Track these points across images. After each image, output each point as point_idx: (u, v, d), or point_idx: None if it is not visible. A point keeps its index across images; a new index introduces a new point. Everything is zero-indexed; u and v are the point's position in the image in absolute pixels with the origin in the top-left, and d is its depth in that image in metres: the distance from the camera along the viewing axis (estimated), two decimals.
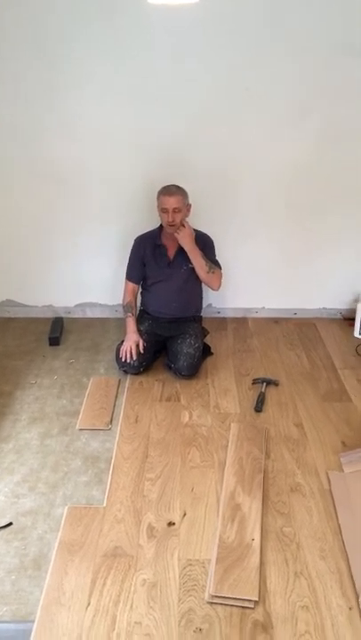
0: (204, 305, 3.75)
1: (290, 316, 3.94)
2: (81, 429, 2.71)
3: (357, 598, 1.81)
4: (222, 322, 3.85)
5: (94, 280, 3.81)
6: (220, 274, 3.19)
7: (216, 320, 3.85)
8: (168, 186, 3.06)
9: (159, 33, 3.09)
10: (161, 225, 3.19)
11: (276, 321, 3.89)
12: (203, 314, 3.66)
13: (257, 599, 1.80)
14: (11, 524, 2.12)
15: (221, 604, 1.80)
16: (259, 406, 2.86)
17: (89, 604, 1.79)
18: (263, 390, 3.00)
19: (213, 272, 3.14)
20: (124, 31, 3.08)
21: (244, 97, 3.27)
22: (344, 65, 3.18)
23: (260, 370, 3.24)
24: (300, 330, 3.76)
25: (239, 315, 3.94)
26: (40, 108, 3.30)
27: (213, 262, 3.18)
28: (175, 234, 3.05)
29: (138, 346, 3.11)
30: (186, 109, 3.31)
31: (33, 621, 1.73)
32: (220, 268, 3.21)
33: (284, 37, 3.10)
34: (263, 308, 3.94)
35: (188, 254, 3.07)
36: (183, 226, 3.05)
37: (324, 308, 3.94)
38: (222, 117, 3.34)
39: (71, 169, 3.48)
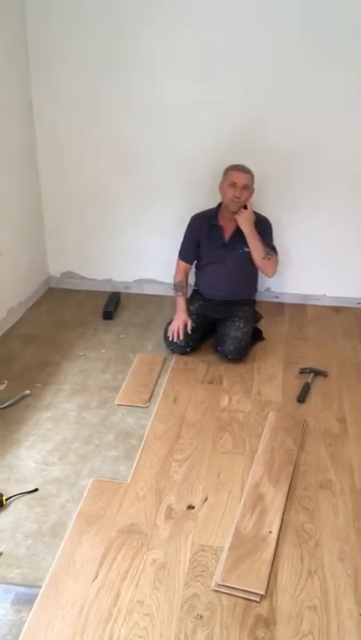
0: (262, 289, 3.70)
1: (353, 305, 3.79)
2: (119, 405, 2.73)
3: None
4: (280, 307, 3.76)
5: (153, 256, 3.81)
6: (276, 260, 3.11)
7: (274, 305, 3.76)
8: (239, 164, 3.00)
9: (232, 9, 3.04)
10: (219, 204, 3.14)
11: (338, 310, 3.74)
12: (260, 298, 3.61)
13: (264, 593, 1.75)
14: (37, 490, 2.18)
15: (227, 593, 1.76)
16: (302, 397, 2.77)
17: (96, 576, 1.81)
18: (310, 381, 2.90)
19: (270, 258, 3.05)
20: (198, 8, 3.07)
21: (314, 72, 3.14)
22: None
23: (310, 359, 3.14)
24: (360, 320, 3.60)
25: (298, 301, 3.83)
26: (110, 83, 3.35)
27: (270, 248, 3.09)
28: (236, 215, 2.99)
29: (186, 326, 3.09)
30: (254, 88, 3.24)
31: (40, 587, 1.77)
32: (277, 254, 3.13)
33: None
34: (324, 295, 3.80)
35: (246, 237, 3.00)
36: (245, 207, 2.98)
37: None
38: (289, 95, 3.23)
39: (136, 143, 3.49)
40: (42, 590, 1.76)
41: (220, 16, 3.09)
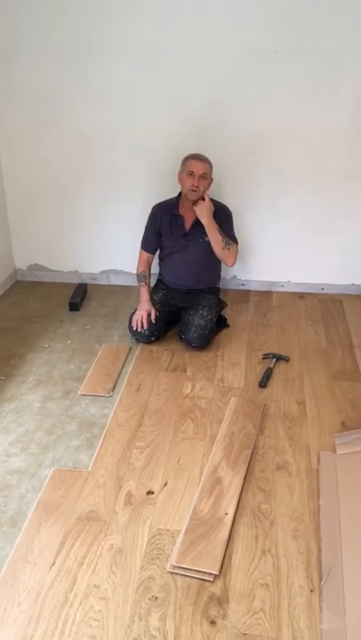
0: (228, 276, 3.73)
1: (317, 291, 3.83)
2: (83, 394, 2.75)
3: (321, 581, 1.77)
4: (245, 294, 3.79)
5: (119, 247, 3.81)
6: (236, 250, 3.13)
7: (240, 292, 3.80)
8: (197, 153, 3.01)
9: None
10: (179, 194, 3.15)
11: (302, 296, 3.79)
12: (227, 285, 3.65)
13: (217, 573, 1.79)
14: None
15: (182, 574, 1.80)
16: (263, 382, 2.81)
17: (53, 563, 1.84)
18: (271, 366, 2.94)
19: (229, 248, 3.07)
20: None
21: (274, 60, 3.16)
22: None
23: (274, 345, 3.18)
24: (324, 306, 3.66)
25: (264, 288, 3.86)
26: (69, 72, 3.33)
27: (230, 237, 3.12)
28: (193, 206, 3.00)
29: (150, 315, 3.11)
30: (214, 76, 3.25)
31: None
32: (237, 243, 3.15)
33: None
34: (289, 282, 3.84)
35: (206, 228, 3.02)
36: (203, 199, 3.00)
37: (353, 284, 3.81)
38: (249, 83, 3.25)
39: (98, 135, 3.49)
40: None
41: (179, 3, 3.08)
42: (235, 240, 3.12)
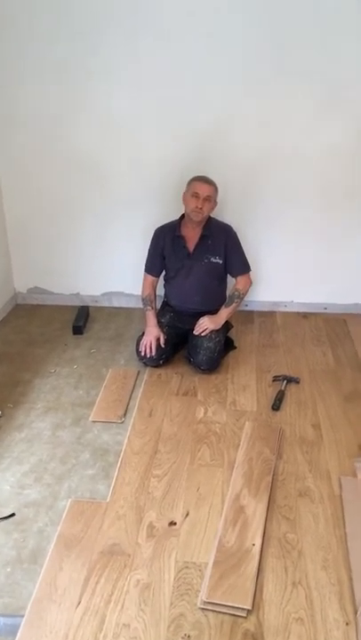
0: None
1: (320, 310, 3.82)
2: (94, 421, 2.69)
3: (356, 613, 1.73)
4: (249, 315, 3.77)
5: (121, 269, 3.78)
6: (248, 281, 3.19)
7: (243, 313, 3.76)
8: (203, 175, 3.01)
9: (190, 19, 3.04)
10: (182, 216, 3.13)
11: (305, 316, 3.78)
12: None
13: (250, 608, 1.74)
14: (13, 514, 2.13)
15: (213, 610, 1.75)
16: (276, 405, 2.78)
17: (80, 602, 1.78)
18: (283, 388, 2.91)
19: (238, 300, 3.15)
20: (155, 18, 3.06)
21: (276, 81, 3.17)
22: None
23: (282, 366, 3.16)
24: (329, 326, 3.65)
25: (267, 308, 3.85)
26: (70, 97, 3.30)
27: (243, 265, 3.15)
28: (195, 332, 3.05)
29: (158, 340, 3.07)
30: (215, 98, 3.25)
31: (22, 616, 1.72)
32: (249, 269, 3.18)
33: (316, 17, 2.99)
34: (292, 301, 3.83)
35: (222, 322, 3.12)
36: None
37: (356, 304, 3.81)
38: (251, 104, 3.26)
39: (100, 157, 3.47)
40: (24, 619, 1.72)
41: (182, 26, 3.08)
42: (246, 267, 3.14)
